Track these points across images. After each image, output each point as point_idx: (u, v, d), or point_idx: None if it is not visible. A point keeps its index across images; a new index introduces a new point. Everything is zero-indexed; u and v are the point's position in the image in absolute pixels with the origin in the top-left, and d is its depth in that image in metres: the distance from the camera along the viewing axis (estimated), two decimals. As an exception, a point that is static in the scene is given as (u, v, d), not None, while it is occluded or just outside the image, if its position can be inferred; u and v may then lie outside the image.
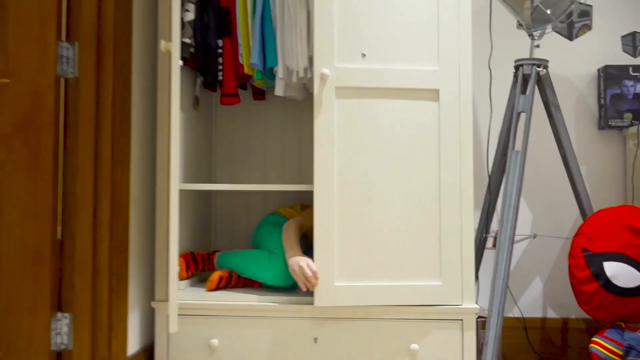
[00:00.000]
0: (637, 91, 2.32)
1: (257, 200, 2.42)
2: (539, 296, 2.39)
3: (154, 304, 1.90)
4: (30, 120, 1.62)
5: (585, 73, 2.43)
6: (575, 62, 2.43)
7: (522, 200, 2.41)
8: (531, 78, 2.07)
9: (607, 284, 1.89)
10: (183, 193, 2.07)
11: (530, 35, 2.11)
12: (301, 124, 2.42)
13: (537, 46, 2.12)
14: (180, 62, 1.67)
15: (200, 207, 2.27)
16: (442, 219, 1.84)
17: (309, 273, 1.78)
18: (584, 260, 1.93)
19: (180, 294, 1.90)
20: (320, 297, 1.83)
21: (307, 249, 2.06)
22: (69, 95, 1.69)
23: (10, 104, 1.62)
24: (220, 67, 2.04)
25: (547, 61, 2.09)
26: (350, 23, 1.86)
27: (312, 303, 1.84)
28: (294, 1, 1.95)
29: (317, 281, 1.80)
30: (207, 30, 1.99)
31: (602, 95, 2.35)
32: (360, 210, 1.85)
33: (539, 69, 2.08)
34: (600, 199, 2.39)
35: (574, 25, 2.21)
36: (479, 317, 2.02)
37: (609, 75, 2.34)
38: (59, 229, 1.68)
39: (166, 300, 1.90)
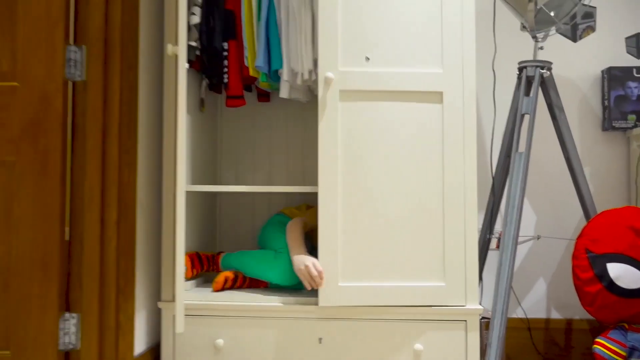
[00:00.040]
0: (641, 93, 2.33)
1: (262, 201, 2.44)
2: (543, 297, 2.40)
3: (160, 304, 1.92)
4: (39, 123, 1.64)
5: (589, 74, 2.43)
6: (579, 64, 2.44)
7: (526, 201, 2.42)
8: (535, 80, 2.08)
9: (611, 285, 1.90)
10: (189, 194, 2.09)
11: (534, 37, 2.12)
12: (305, 126, 2.43)
13: (541, 48, 2.13)
14: (186, 65, 1.69)
15: (205, 208, 2.29)
16: (445, 220, 1.85)
17: (315, 273, 1.80)
18: (588, 262, 1.94)
19: (186, 294, 1.92)
20: (325, 297, 1.84)
21: (312, 250, 2.07)
22: (77, 98, 1.71)
23: (19, 107, 1.64)
24: (225, 69, 2.06)
25: (550, 63, 2.10)
26: (354, 27, 1.88)
27: (316, 303, 1.85)
28: (299, 4, 1.97)
29: (322, 281, 1.82)
30: (212, 33, 2.01)
31: (606, 97, 2.36)
32: (364, 212, 1.86)
33: (542, 71, 2.09)
34: (604, 200, 2.39)
35: (578, 26, 2.22)
36: (483, 317, 2.03)
37: (613, 77, 2.34)
38: (66, 230, 1.70)
39: (172, 300, 1.92)
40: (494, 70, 2.21)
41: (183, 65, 1.62)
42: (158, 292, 2.05)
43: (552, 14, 2.03)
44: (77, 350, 1.69)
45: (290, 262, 1.92)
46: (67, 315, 1.68)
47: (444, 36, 1.88)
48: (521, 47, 2.44)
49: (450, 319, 1.84)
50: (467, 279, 1.84)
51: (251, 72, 2.05)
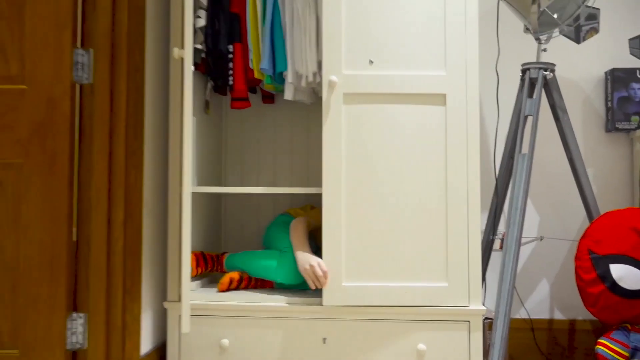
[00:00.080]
0: (644, 94, 2.34)
1: (266, 202, 2.46)
2: (546, 298, 2.41)
3: (166, 305, 1.94)
4: (47, 125, 1.66)
5: (592, 76, 2.44)
6: (582, 65, 2.44)
7: (529, 202, 2.43)
8: (538, 82, 2.09)
9: (613, 286, 1.91)
10: (194, 195, 2.11)
11: (537, 39, 2.13)
12: (310, 127, 2.45)
13: (544, 50, 2.14)
14: (192, 67, 1.71)
15: (210, 209, 2.31)
16: (448, 221, 1.87)
17: (320, 272, 1.83)
18: (590, 263, 1.95)
19: (192, 294, 1.94)
20: (329, 297, 1.86)
21: (317, 250, 2.09)
22: (84, 101, 1.73)
23: (27, 110, 1.66)
24: (230, 71, 2.07)
25: (553, 65, 2.11)
26: (358, 31, 1.90)
27: (320, 304, 1.87)
28: (303, 7, 1.98)
29: (326, 281, 1.84)
30: (218, 36, 2.03)
31: (610, 98, 2.37)
32: (367, 212, 1.88)
33: (545, 73, 2.10)
34: (608, 201, 2.40)
35: (582, 28, 2.23)
36: (486, 318, 2.04)
37: (616, 78, 2.35)
38: (74, 230, 1.72)
39: (178, 300, 1.94)
40: (497, 72, 2.22)
41: (189, 70, 1.64)
42: (164, 293, 2.07)
43: (555, 16, 2.04)
44: (85, 350, 1.71)
45: (294, 261, 1.94)
46: (74, 315, 1.70)
47: (447, 39, 1.89)
48: (524, 48, 2.45)
49: (453, 319, 1.86)
50: (470, 279, 1.86)
51: (256, 75, 2.07)
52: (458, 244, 1.86)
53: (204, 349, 1.91)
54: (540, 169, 2.44)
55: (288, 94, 2.05)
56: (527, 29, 2.17)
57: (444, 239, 1.87)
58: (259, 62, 2.05)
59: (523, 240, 2.41)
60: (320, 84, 2.05)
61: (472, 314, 1.85)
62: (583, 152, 2.42)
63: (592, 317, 2.37)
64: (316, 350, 1.88)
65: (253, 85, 2.29)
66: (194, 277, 2.05)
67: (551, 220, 2.42)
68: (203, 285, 2.12)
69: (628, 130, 2.35)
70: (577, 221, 2.41)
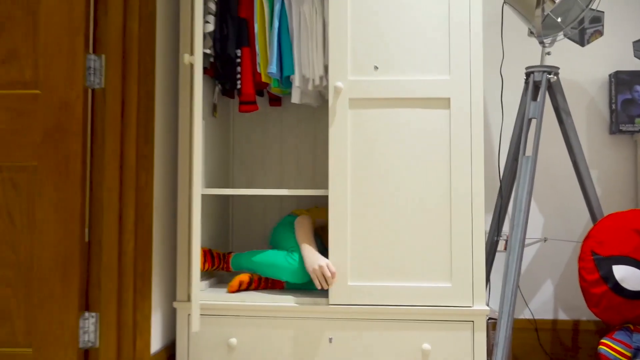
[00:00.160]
0: (648, 96, 2.35)
1: (273, 203, 2.49)
2: (550, 298, 2.43)
3: (175, 304, 1.98)
4: (60, 129, 1.70)
5: (596, 78, 2.46)
6: (586, 68, 2.46)
7: (533, 204, 2.45)
8: (542, 85, 2.11)
9: (616, 287, 1.93)
10: (203, 197, 2.14)
11: (541, 42, 2.15)
12: (316, 129, 2.48)
13: (548, 53, 2.16)
14: (201, 73, 1.74)
15: (218, 210, 2.35)
16: (452, 223, 1.90)
17: (329, 273, 1.87)
18: (594, 264, 1.97)
19: (201, 294, 1.98)
20: (335, 296, 1.90)
21: (323, 250, 2.13)
22: (96, 105, 1.77)
23: (41, 114, 1.70)
24: (238, 75, 2.11)
25: (557, 68, 2.14)
26: (363, 37, 1.93)
27: (326, 303, 1.91)
28: (310, 12, 2.02)
29: (334, 281, 1.88)
30: (226, 41, 2.06)
31: (613, 101, 2.39)
32: (372, 214, 1.91)
33: (549, 76, 2.12)
34: (612, 202, 2.42)
35: (586, 31, 2.25)
36: (490, 318, 2.06)
37: (620, 81, 2.37)
38: (86, 232, 1.76)
39: (187, 300, 1.98)
40: (501, 75, 2.24)
41: (199, 75, 1.67)
42: (173, 293, 2.11)
43: (559, 19, 2.06)
44: (96, 348, 1.75)
45: (301, 260, 1.97)
46: (86, 314, 1.74)
47: (451, 44, 1.92)
48: (529, 51, 2.47)
49: (457, 319, 1.89)
50: (474, 280, 1.88)
51: (263, 78, 2.10)
52: (462, 245, 1.89)
53: (212, 347, 1.95)
54: (545, 171, 2.46)
55: (295, 98, 2.09)
56: (531, 33, 2.19)
57: (448, 240, 1.90)
58: (267, 66, 2.09)
59: (527, 241, 2.43)
60: (326, 87, 2.08)
61: (476, 314, 1.88)
62: (587, 154, 2.43)
63: (596, 317, 2.39)
64: (322, 350, 1.92)
65: (260, 88, 2.32)
66: (202, 277, 2.08)
67: (555, 221, 2.44)
68: (211, 286, 2.15)
69: (632, 133, 2.36)
70: (581, 223, 2.43)
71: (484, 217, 1.93)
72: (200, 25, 1.67)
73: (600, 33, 2.25)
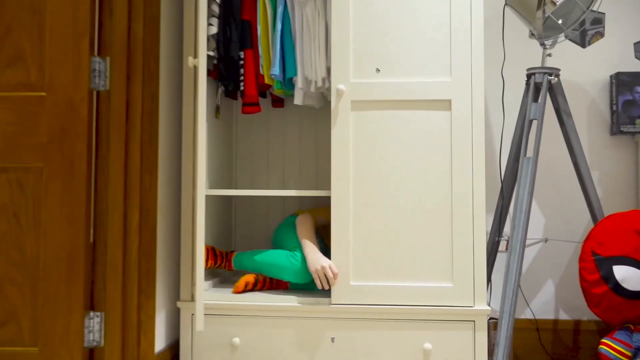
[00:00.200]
0: (648, 98, 2.37)
1: (276, 203, 2.51)
2: (551, 298, 2.44)
3: (179, 304, 2.00)
4: (65, 130, 1.72)
5: (597, 79, 2.47)
6: (587, 69, 2.47)
7: (534, 204, 2.46)
8: (543, 86, 2.12)
9: (617, 287, 1.94)
10: (206, 197, 2.16)
11: (542, 44, 2.17)
12: (318, 131, 2.50)
13: (549, 55, 2.17)
14: (205, 76, 1.76)
15: (221, 210, 2.37)
16: (454, 224, 1.91)
17: (331, 274, 1.89)
18: (594, 264, 1.99)
19: (204, 294, 2.00)
20: (337, 296, 1.92)
21: (325, 250, 2.14)
22: (101, 107, 1.79)
23: (46, 116, 1.72)
24: (242, 77, 2.13)
25: (558, 70, 2.15)
26: (365, 40, 1.95)
27: (329, 303, 1.92)
28: (313, 14, 2.03)
29: (335, 282, 1.90)
30: (229, 43, 2.08)
31: (614, 102, 2.40)
32: (374, 214, 1.93)
33: (550, 78, 2.13)
34: (613, 203, 2.43)
35: (587, 32, 2.26)
36: (491, 318, 2.08)
37: (621, 82, 2.38)
38: (91, 232, 1.78)
39: (190, 300, 2.00)
40: (502, 76, 2.26)
41: (203, 77, 1.69)
42: (176, 292, 2.13)
43: (560, 21, 2.07)
44: (101, 348, 1.77)
45: (303, 261, 1.99)
46: (91, 313, 1.76)
47: (452, 46, 1.94)
48: (530, 52, 2.49)
49: (458, 319, 1.90)
50: (475, 280, 1.90)
51: (266, 80, 2.12)
52: (463, 245, 1.91)
53: (215, 347, 1.97)
54: (546, 171, 2.47)
55: (298, 99, 2.10)
56: (532, 34, 2.20)
57: (449, 241, 1.92)
58: (270, 68, 2.10)
59: (528, 241, 2.45)
60: (329, 89, 2.10)
61: (477, 314, 1.89)
62: (588, 155, 2.45)
63: (596, 317, 2.40)
64: (325, 349, 1.93)
65: (263, 89, 2.33)
66: (206, 277, 2.10)
67: (556, 222, 2.46)
68: (214, 285, 2.17)
69: (633, 134, 2.37)
70: (581, 223, 2.44)
71: (485, 218, 1.94)
72: (204, 28, 1.69)
73: (601, 34, 2.26)
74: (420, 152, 1.94)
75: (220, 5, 2.08)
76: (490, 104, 2.48)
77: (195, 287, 1.71)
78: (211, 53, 2.07)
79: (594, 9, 2.16)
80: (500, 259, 2.45)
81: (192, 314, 1.99)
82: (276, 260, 2.04)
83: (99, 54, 1.79)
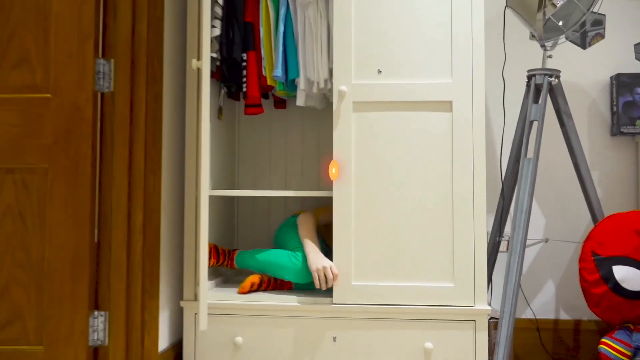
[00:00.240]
0: (648, 99, 2.38)
1: (278, 204, 2.53)
2: (552, 298, 2.46)
3: (182, 303, 2.01)
4: (70, 132, 1.74)
5: (598, 80, 2.48)
6: (588, 70, 2.49)
7: (535, 205, 2.48)
8: (543, 88, 2.14)
9: (616, 287, 1.95)
10: (209, 198, 2.18)
11: (543, 46, 2.18)
12: (320, 131, 2.51)
13: (550, 57, 2.18)
14: (209, 78, 1.77)
15: (224, 210, 2.39)
16: (455, 224, 1.93)
17: (331, 275, 1.90)
18: (594, 264, 2.00)
19: (207, 294, 2.01)
20: (339, 295, 1.93)
21: (327, 250, 2.16)
22: (105, 109, 1.81)
23: (52, 117, 1.74)
24: (244, 79, 2.14)
25: (559, 71, 2.16)
26: (366, 42, 1.96)
27: (330, 303, 1.94)
28: (315, 16, 2.05)
29: (334, 283, 1.91)
30: (232, 45, 2.10)
31: (615, 103, 2.41)
32: (376, 215, 1.94)
33: (550, 79, 2.14)
34: (613, 204, 2.44)
35: (587, 34, 2.27)
36: (492, 318, 2.09)
37: (621, 83, 2.39)
38: (95, 232, 1.80)
39: (193, 300, 2.01)
40: (503, 78, 2.27)
41: (207, 80, 1.71)
42: (180, 292, 2.15)
43: (560, 23, 2.09)
44: (106, 346, 1.79)
45: (304, 260, 2.00)
46: (96, 313, 1.78)
47: (453, 48, 1.95)
48: (531, 54, 2.50)
49: (459, 318, 1.92)
50: (476, 280, 1.92)
51: (269, 82, 2.14)
52: (464, 245, 1.92)
53: (218, 346, 1.99)
54: (546, 172, 2.48)
55: (300, 101, 2.12)
56: (532, 36, 2.21)
57: (450, 241, 1.93)
58: (272, 70, 2.12)
59: (528, 242, 2.46)
60: (331, 90, 2.12)
61: (477, 313, 1.91)
62: (589, 156, 2.46)
63: (597, 317, 2.41)
64: (326, 349, 1.95)
65: (265, 91, 2.35)
66: (208, 277, 2.12)
67: (557, 222, 2.47)
68: (217, 285, 2.19)
69: (633, 134, 2.39)
70: (582, 224, 2.46)
71: (486, 218, 1.96)
72: (208, 31, 1.70)
73: (601, 36, 2.27)
74: (421, 152, 1.95)
75: (223, 8, 2.10)
76: (491, 105, 2.49)
77: (199, 286, 1.72)
78: (214, 55, 2.09)
79: (595, 10, 2.17)
80: (501, 259, 2.46)
81: (195, 314, 2.01)
82: (278, 259, 2.05)
83: (103, 56, 1.81)
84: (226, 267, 2.18)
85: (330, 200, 2.37)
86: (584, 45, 2.28)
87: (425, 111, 1.95)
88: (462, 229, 1.92)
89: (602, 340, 1.97)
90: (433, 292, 1.92)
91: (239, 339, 1.97)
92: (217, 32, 2.07)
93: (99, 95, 1.80)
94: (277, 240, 2.23)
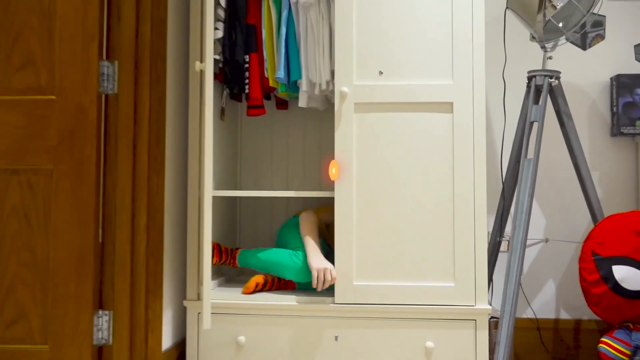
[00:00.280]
0: (648, 99, 2.39)
1: (280, 204, 2.54)
2: (552, 298, 2.47)
3: (185, 303, 2.03)
4: (75, 133, 1.76)
5: (598, 81, 2.50)
6: (588, 71, 2.50)
7: (535, 205, 2.49)
8: (543, 89, 2.15)
9: (616, 287, 1.97)
10: (212, 198, 2.19)
11: (543, 47, 2.19)
12: (322, 132, 2.52)
13: (550, 58, 2.20)
14: (212, 80, 1.79)
15: (226, 210, 2.40)
16: (455, 224, 1.94)
17: (329, 277, 1.92)
18: (594, 264, 2.01)
19: (211, 293, 2.03)
20: (340, 295, 1.95)
21: (329, 251, 2.17)
22: (109, 110, 1.82)
23: (56, 119, 1.76)
24: (247, 80, 2.16)
25: (559, 72, 2.18)
26: (368, 43, 1.98)
27: (332, 302, 1.96)
28: (317, 18, 2.07)
29: (330, 284, 1.93)
30: (235, 47, 2.12)
31: (615, 103, 2.42)
32: (377, 216, 1.96)
33: (551, 80, 2.16)
34: (613, 204, 2.45)
35: (588, 35, 2.28)
36: (492, 317, 2.11)
37: (621, 84, 2.40)
38: (100, 233, 1.81)
39: (196, 299, 2.03)
40: (504, 79, 2.29)
41: (210, 82, 1.72)
42: (183, 292, 2.17)
43: (560, 25, 2.10)
44: (110, 345, 1.81)
45: (305, 260, 2.02)
46: (100, 312, 1.80)
47: (454, 49, 1.97)
48: (531, 55, 2.51)
49: (460, 318, 1.93)
50: (477, 280, 1.93)
51: (271, 83, 2.15)
52: (465, 245, 1.94)
53: (221, 345, 2.00)
54: (547, 173, 2.50)
55: (302, 102, 2.13)
56: (533, 37, 2.23)
57: (451, 241, 1.95)
58: (274, 71, 2.14)
59: (529, 242, 2.47)
60: (333, 91, 2.13)
61: (478, 313, 1.92)
62: (589, 156, 2.47)
63: (597, 317, 2.43)
64: (328, 348, 1.97)
65: (267, 92, 2.37)
66: (211, 276, 2.13)
67: (557, 222, 2.48)
68: (220, 285, 2.21)
69: (633, 135, 2.40)
70: (582, 224, 2.47)
71: (487, 218, 1.97)
72: (211, 33, 1.72)
73: (601, 37, 2.28)
74: (422, 153, 1.97)
75: (225, 10, 2.12)
76: (492, 106, 2.51)
77: (203, 285, 1.74)
78: (217, 57, 2.11)
79: (595, 12, 2.18)
80: (502, 259, 2.48)
81: (199, 313, 2.02)
82: (279, 258, 2.07)
83: (107, 57, 1.82)
84: (229, 265, 2.19)
85: (331, 200, 2.39)
86: (584, 47, 2.30)
87: (426, 112, 1.97)
88: (462, 229, 1.94)
89: (602, 339, 1.98)
90: (434, 291, 1.94)
91: (242, 338, 1.98)
92: (220, 34, 2.08)
93: (103, 96, 1.82)
94: (279, 240, 2.25)
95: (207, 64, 1.72)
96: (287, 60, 2.12)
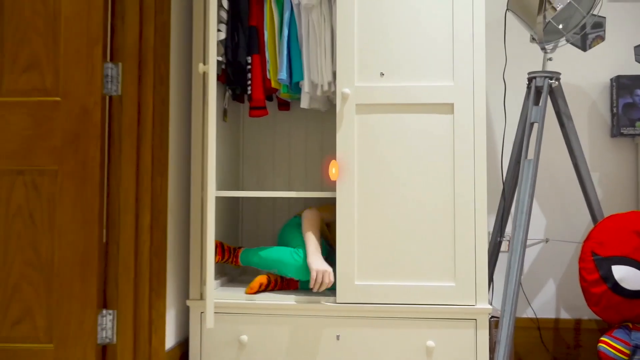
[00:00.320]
0: (648, 100, 2.40)
1: (282, 204, 2.56)
2: (552, 298, 2.49)
3: (188, 302, 2.05)
4: (79, 134, 1.78)
5: (598, 82, 2.51)
6: (588, 72, 2.51)
7: (536, 205, 2.51)
8: (544, 90, 2.16)
9: (615, 287, 1.98)
10: (215, 199, 2.21)
11: (543, 48, 2.21)
12: (324, 133, 2.54)
13: (550, 59, 2.21)
14: (215, 82, 1.80)
15: (229, 210, 2.42)
16: (456, 225, 1.96)
17: (327, 281, 1.93)
18: (594, 264, 2.03)
19: (214, 293, 2.04)
20: (342, 294, 1.97)
21: (330, 251, 2.19)
22: (113, 112, 1.84)
23: (61, 120, 1.78)
24: (249, 82, 2.17)
25: (559, 73, 2.19)
26: (369, 45, 2.00)
27: (334, 302, 1.97)
28: (319, 20, 2.08)
29: (325, 287, 1.95)
30: (237, 49, 2.13)
31: (615, 104, 2.44)
32: (379, 216, 1.98)
33: (551, 81, 2.17)
34: (613, 204, 2.47)
35: (588, 36, 2.29)
36: (492, 317, 2.12)
37: (621, 85, 2.42)
38: (104, 233, 1.83)
39: (199, 299, 2.05)
40: (504, 80, 2.30)
41: (213, 83, 1.74)
42: (186, 291, 2.18)
43: (560, 26, 2.11)
44: (114, 344, 1.82)
45: (306, 258, 2.03)
46: (104, 311, 1.81)
47: (455, 51, 1.98)
48: (531, 56, 2.53)
49: (460, 317, 1.95)
50: (477, 279, 1.95)
51: (273, 84, 2.17)
52: (465, 245, 1.95)
53: (224, 344, 2.02)
54: (547, 173, 2.51)
55: (304, 103, 2.15)
56: (533, 39, 2.24)
57: (451, 241, 1.96)
58: (276, 73, 2.15)
59: (529, 242, 2.49)
60: (335, 92, 2.15)
61: (478, 312, 1.94)
62: (589, 157, 2.49)
63: (597, 316, 2.44)
64: (330, 347, 1.98)
65: (269, 93, 2.38)
66: (214, 275, 2.15)
67: (557, 223, 2.50)
68: (222, 284, 2.22)
69: (633, 136, 2.41)
70: (582, 224, 2.48)
71: (487, 219, 1.99)
72: (214, 35, 1.74)
73: (601, 38, 2.30)
74: (423, 154, 1.98)
75: (228, 12, 2.13)
76: (492, 107, 2.52)
77: (206, 285, 1.76)
78: (219, 58, 2.12)
79: (595, 13, 2.19)
80: (502, 259, 2.49)
81: (202, 312, 2.04)
82: (280, 256, 2.08)
83: (111, 59, 1.84)
84: (231, 264, 2.21)
85: (333, 201, 2.40)
86: (584, 48, 2.31)
87: (426, 113, 1.99)
88: (463, 229, 1.96)
89: (602, 339, 2.00)
90: (435, 291, 1.95)
91: (244, 338, 2.00)
92: (223, 35, 2.10)
93: (107, 98, 1.83)
94: (281, 240, 2.26)
95: (211, 66, 1.74)
96: (289, 61, 2.14)
